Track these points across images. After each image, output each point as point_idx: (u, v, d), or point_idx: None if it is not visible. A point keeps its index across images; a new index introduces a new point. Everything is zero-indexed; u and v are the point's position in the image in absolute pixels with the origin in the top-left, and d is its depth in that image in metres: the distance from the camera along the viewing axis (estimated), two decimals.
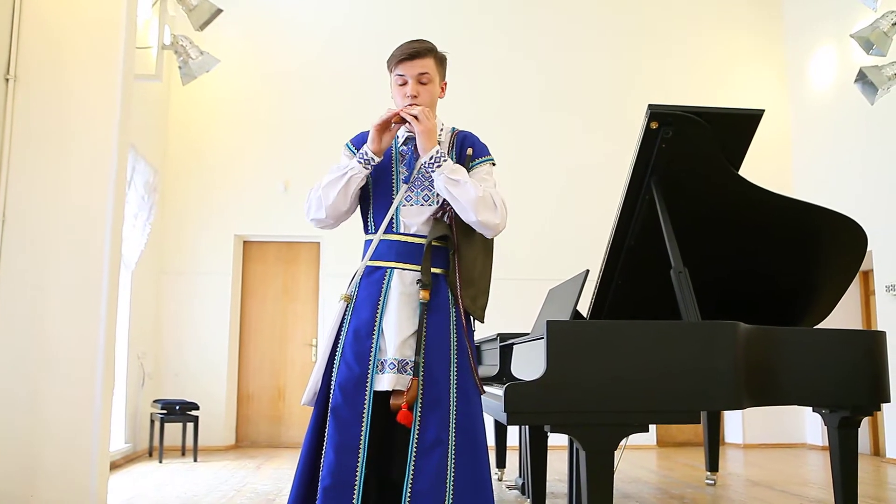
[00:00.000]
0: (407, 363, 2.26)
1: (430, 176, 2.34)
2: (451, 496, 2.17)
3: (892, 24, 6.00)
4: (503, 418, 2.61)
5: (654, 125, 3.02)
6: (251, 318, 7.98)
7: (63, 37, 4.33)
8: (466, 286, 2.40)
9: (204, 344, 7.59)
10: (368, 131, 2.41)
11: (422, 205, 2.38)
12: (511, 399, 2.54)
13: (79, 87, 4.31)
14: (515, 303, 7.41)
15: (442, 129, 2.47)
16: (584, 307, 3.60)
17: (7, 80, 4.23)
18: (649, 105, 3.01)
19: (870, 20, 6.16)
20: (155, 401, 6.95)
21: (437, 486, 2.16)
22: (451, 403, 2.26)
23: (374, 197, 2.42)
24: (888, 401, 3.38)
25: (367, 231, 2.47)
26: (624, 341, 2.60)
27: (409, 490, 2.14)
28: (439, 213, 2.38)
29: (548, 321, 2.60)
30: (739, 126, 3.28)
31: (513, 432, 6.33)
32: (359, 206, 2.49)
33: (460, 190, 2.28)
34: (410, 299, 2.31)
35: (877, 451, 7.38)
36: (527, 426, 4.16)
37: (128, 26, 4.42)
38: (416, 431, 2.20)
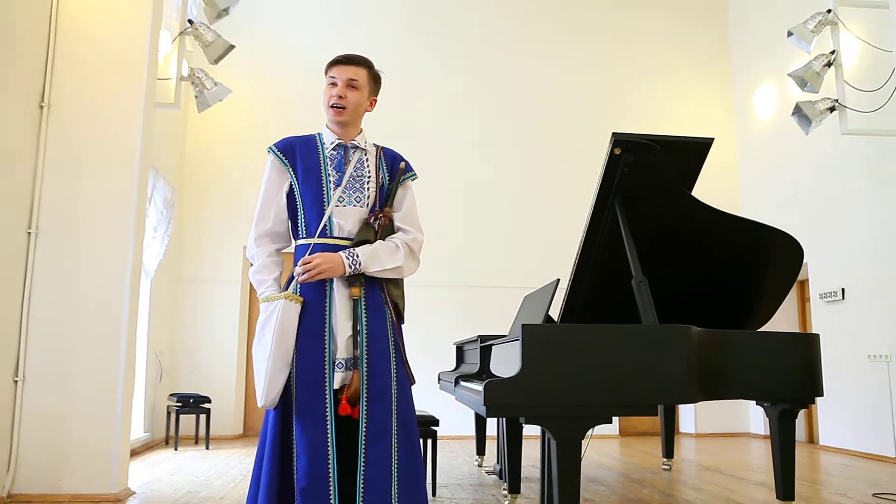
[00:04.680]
0: (353, 360, 2.17)
1: (361, 178, 2.27)
2: (396, 480, 2.11)
3: (824, 65, 6.08)
4: (483, 411, 2.60)
5: (617, 151, 3.04)
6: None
7: (93, 68, 4.31)
8: (393, 287, 2.31)
9: (215, 344, 7.54)
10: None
11: (354, 205, 2.25)
12: (490, 394, 2.53)
13: (106, 113, 4.29)
14: (494, 308, 7.43)
15: (367, 142, 2.37)
16: (555, 312, 3.61)
17: (42, 107, 4.21)
18: (613, 133, 3.03)
19: (804, 61, 6.24)
20: (171, 395, 6.88)
21: (385, 472, 2.09)
22: (393, 395, 2.17)
23: (304, 203, 2.25)
24: (821, 395, 3.41)
25: (297, 236, 2.30)
26: (590, 343, 2.60)
27: (362, 478, 2.06)
28: (371, 219, 2.26)
29: (522, 324, 2.60)
30: (692, 152, 3.30)
31: (491, 423, 6.32)
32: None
33: (384, 269, 2.22)
34: (349, 300, 2.20)
35: (811, 438, 7.42)
36: (504, 418, 4.15)
37: (150, 60, 4.41)
38: (364, 423, 2.10)
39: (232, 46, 5.66)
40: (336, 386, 2.14)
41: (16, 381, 3.96)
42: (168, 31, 6.03)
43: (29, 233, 4.09)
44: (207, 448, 6.51)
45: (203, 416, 6.73)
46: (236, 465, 5.46)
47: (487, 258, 8.02)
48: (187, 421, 6.93)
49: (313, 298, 2.19)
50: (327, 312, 2.18)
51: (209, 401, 6.73)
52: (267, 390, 2.10)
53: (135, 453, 5.95)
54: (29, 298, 4.05)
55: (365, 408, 2.12)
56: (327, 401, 2.11)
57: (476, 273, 7.96)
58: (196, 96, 5.66)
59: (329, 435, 2.09)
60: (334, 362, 2.15)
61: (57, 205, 4.16)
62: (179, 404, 6.52)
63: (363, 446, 2.08)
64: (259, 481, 2.11)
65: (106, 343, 4.10)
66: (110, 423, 4.05)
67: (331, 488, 2.05)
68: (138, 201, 4.28)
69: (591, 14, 8.74)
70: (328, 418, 2.10)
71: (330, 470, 2.06)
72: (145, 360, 6.54)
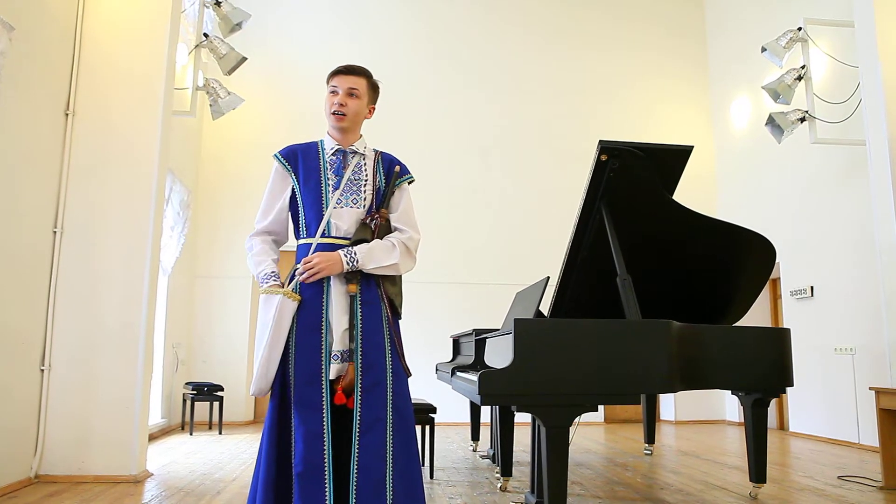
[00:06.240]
0: (348, 352, 2.14)
1: (358, 181, 2.26)
2: (392, 466, 2.07)
3: (795, 79, 6.10)
4: (478, 399, 2.60)
5: (603, 157, 3.04)
6: None
7: (114, 79, 4.30)
8: (390, 284, 2.29)
9: (228, 335, 7.52)
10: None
11: (351, 207, 2.24)
12: (484, 384, 2.53)
13: (127, 120, 4.28)
14: (488, 304, 7.43)
15: (366, 147, 2.35)
16: (545, 307, 3.61)
17: (67, 114, 4.20)
18: (600, 141, 3.03)
19: (777, 75, 6.24)
20: (186, 383, 6.86)
21: (379, 459, 2.05)
22: (388, 385, 2.14)
23: (304, 205, 2.24)
24: (791, 385, 3.42)
25: (298, 235, 2.28)
26: (578, 336, 2.60)
27: (356, 465, 2.03)
28: (368, 220, 2.24)
29: (515, 319, 2.60)
30: (673, 159, 3.30)
31: (485, 411, 6.32)
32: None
33: (380, 266, 2.20)
34: (346, 296, 2.18)
35: (782, 425, 7.44)
36: (497, 406, 4.15)
37: (168, 71, 4.40)
38: (359, 412, 2.07)
39: (244, 58, 5.65)
40: (332, 377, 2.12)
41: (42, 370, 3.96)
42: (185, 44, 6.01)
43: (55, 232, 4.08)
44: (220, 433, 6.50)
45: (216, 403, 6.71)
46: (247, 449, 5.46)
47: (482, 257, 8.02)
48: (202, 408, 6.92)
49: (311, 294, 2.17)
50: (324, 306, 2.16)
51: (222, 389, 6.72)
52: (257, 380, 2.09)
53: (153, 438, 5.94)
54: (54, 293, 4.04)
55: (359, 398, 2.09)
56: (323, 390, 2.09)
57: (472, 271, 7.96)
58: (210, 105, 5.65)
59: (325, 423, 2.06)
60: (330, 354, 2.13)
61: (81, 205, 4.15)
62: (194, 392, 6.51)
63: (357, 434, 2.06)
64: (261, 467, 2.09)
65: (126, 335, 4.09)
66: (130, 409, 4.04)
67: (325, 474, 2.03)
68: (156, 202, 4.27)
69: (580, 22, 8.73)
70: (324, 407, 2.08)
71: (325, 456, 2.04)
72: (163, 351, 6.52)
